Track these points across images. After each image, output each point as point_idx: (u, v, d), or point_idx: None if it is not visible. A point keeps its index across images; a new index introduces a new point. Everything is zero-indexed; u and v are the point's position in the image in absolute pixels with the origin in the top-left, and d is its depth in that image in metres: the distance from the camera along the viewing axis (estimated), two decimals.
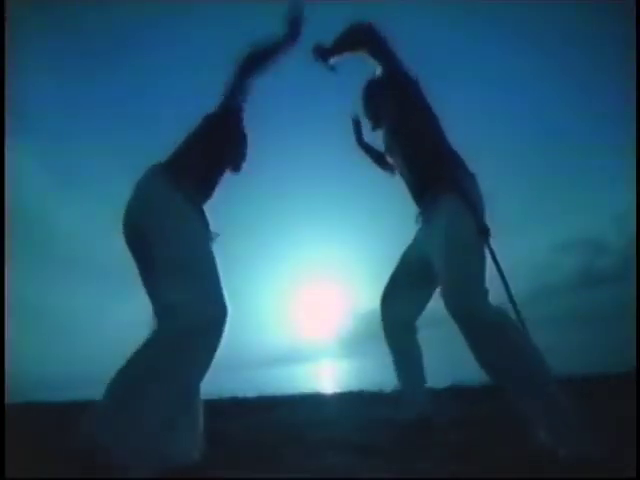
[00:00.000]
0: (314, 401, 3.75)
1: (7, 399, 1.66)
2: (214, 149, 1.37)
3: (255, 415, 2.92)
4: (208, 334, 1.11)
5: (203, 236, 1.27)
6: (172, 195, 1.23)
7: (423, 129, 1.43)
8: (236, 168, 1.48)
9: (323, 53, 1.53)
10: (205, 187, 1.36)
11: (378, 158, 1.78)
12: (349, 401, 3.36)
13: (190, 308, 1.10)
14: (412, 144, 1.44)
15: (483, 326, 1.21)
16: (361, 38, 1.48)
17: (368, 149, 1.83)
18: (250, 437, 2.04)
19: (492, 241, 1.30)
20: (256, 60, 1.41)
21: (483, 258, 1.28)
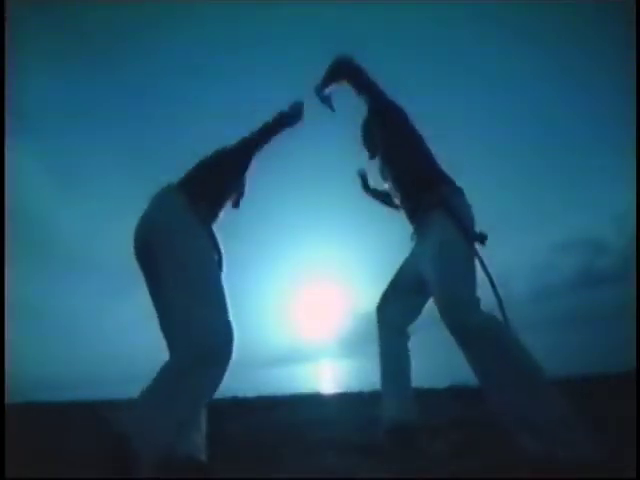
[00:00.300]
0: (314, 401, 3.75)
1: (7, 399, 1.67)
2: (227, 181, 1.46)
3: (255, 415, 2.92)
4: (213, 364, 1.15)
5: (212, 256, 1.31)
6: (184, 213, 1.28)
7: (409, 154, 1.52)
8: (236, 204, 1.56)
9: (318, 90, 1.61)
10: (216, 210, 1.43)
11: (385, 200, 1.85)
12: (349, 401, 3.37)
13: (196, 336, 1.14)
14: (401, 168, 1.55)
15: (477, 337, 1.24)
16: (341, 71, 1.56)
17: (375, 195, 1.92)
18: (250, 437, 2.04)
19: (484, 246, 1.35)
20: (282, 126, 1.54)
21: (473, 268, 1.33)
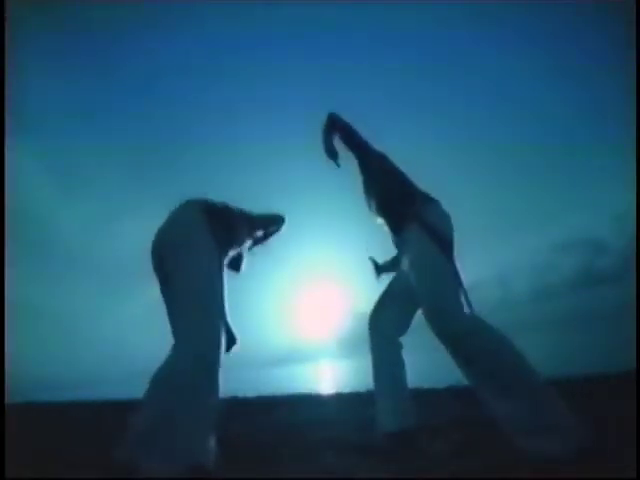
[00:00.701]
0: (314, 401, 3.75)
1: (7, 399, 1.67)
2: (240, 224, 1.58)
3: (255, 415, 2.92)
4: (204, 366, 1.22)
5: (221, 276, 1.39)
6: (202, 232, 1.36)
7: (387, 182, 1.64)
8: (237, 267, 1.64)
9: (326, 151, 1.75)
10: (229, 238, 1.50)
11: (393, 267, 1.89)
12: (349, 401, 3.37)
13: (192, 339, 1.23)
14: (380, 194, 1.66)
15: (465, 343, 1.29)
16: (332, 126, 1.71)
17: (387, 270, 1.96)
18: (250, 437, 2.04)
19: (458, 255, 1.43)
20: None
21: (451, 276, 1.38)
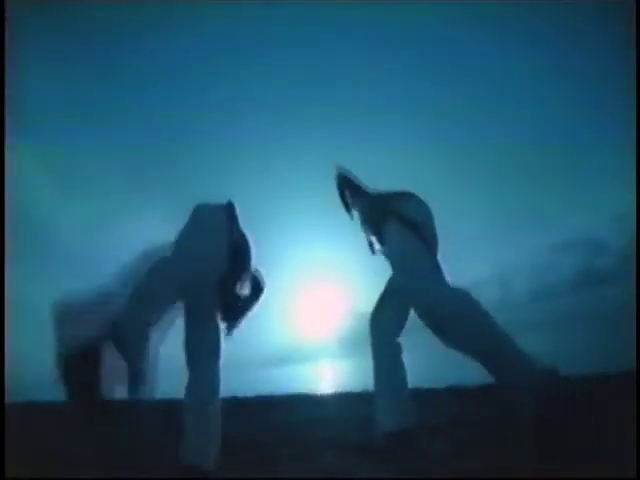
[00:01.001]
0: (314, 401, 3.75)
1: (7, 399, 1.67)
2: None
3: (255, 415, 2.92)
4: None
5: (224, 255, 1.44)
6: (223, 233, 1.43)
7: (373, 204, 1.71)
8: (230, 329, 1.61)
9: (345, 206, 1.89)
10: (245, 248, 1.56)
11: None
12: (349, 401, 3.37)
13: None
14: (370, 218, 1.73)
15: (456, 322, 1.30)
16: (343, 183, 1.85)
17: None
18: (250, 437, 2.04)
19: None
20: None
21: (432, 264, 1.44)
